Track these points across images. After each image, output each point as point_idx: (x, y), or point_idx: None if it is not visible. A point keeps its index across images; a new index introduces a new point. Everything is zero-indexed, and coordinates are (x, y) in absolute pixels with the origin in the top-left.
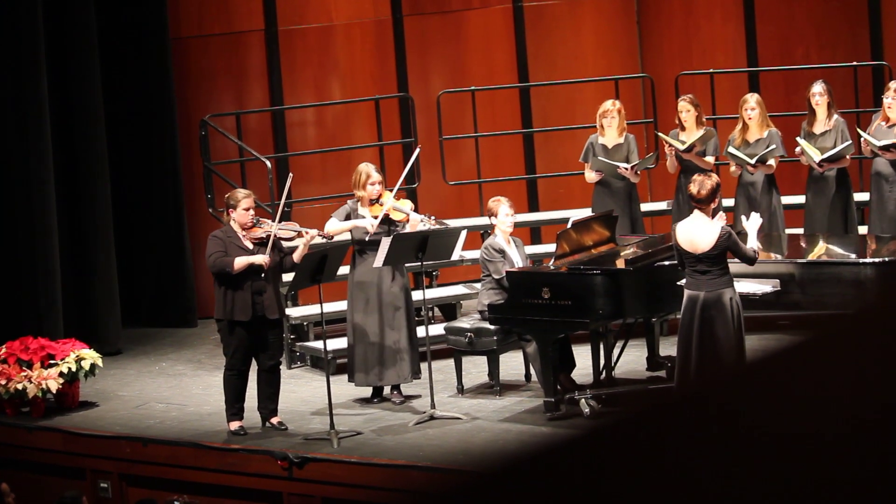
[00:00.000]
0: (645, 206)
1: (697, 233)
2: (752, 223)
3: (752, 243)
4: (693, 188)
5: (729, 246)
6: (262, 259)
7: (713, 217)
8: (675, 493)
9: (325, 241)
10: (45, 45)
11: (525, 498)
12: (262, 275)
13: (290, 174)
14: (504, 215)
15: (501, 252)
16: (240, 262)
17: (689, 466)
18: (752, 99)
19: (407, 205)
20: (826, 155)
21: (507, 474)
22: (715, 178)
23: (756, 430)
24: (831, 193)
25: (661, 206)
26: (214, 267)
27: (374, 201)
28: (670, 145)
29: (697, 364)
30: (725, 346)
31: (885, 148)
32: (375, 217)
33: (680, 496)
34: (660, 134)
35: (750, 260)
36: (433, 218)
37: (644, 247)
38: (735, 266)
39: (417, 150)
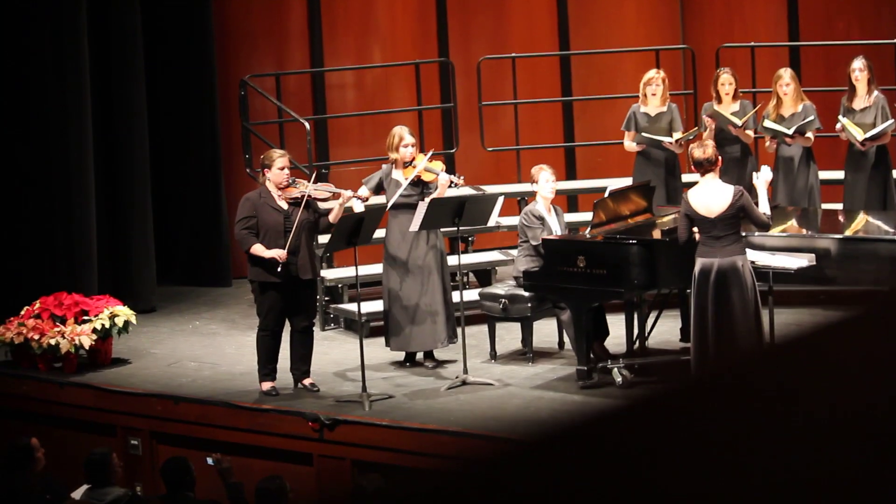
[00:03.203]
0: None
1: (712, 195)
2: (763, 178)
3: (764, 207)
4: (698, 153)
5: (743, 205)
6: (278, 254)
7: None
8: (707, 472)
9: (360, 202)
10: (86, 3)
11: (556, 471)
12: (278, 271)
13: (315, 172)
14: (545, 182)
15: (541, 219)
16: (256, 250)
17: (720, 447)
18: (786, 74)
19: (438, 166)
20: (869, 134)
21: (538, 447)
22: (709, 140)
23: (787, 412)
24: (870, 169)
25: (696, 177)
26: (237, 237)
27: (408, 164)
28: (720, 121)
29: (715, 336)
30: (742, 315)
31: None
32: (406, 178)
33: (713, 476)
34: (713, 109)
35: (763, 225)
36: (462, 178)
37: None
38: (772, 239)
39: (431, 153)
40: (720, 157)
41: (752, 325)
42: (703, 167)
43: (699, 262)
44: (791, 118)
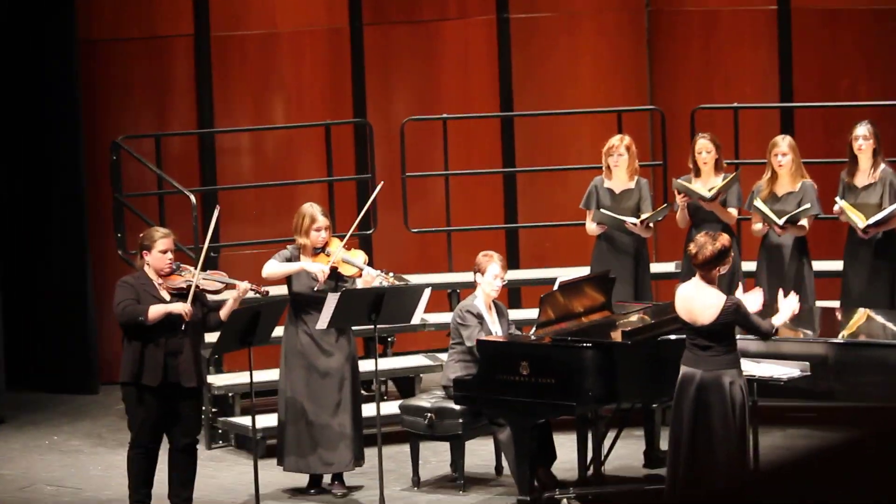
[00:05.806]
0: (651, 268)
1: (697, 302)
2: (788, 304)
3: (777, 319)
4: (692, 248)
5: (737, 320)
6: (182, 308)
7: (734, 286)
8: None
9: (258, 296)
10: None
11: None
12: (182, 330)
13: (218, 208)
14: (492, 276)
15: (479, 318)
16: (155, 310)
17: None
18: (783, 143)
19: (359, 257)
20: (873, 220)
21: None
22: (724, 238)
23: None
24: (873, 260)
25: (668, 267)
26: (123, 316)
27: (320, 251)
28: (689, 194)
29: (689, 462)
30: (722, 439)
31: None
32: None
33: None
34: (678, 181)
35: (764, 335)
36: (391, 274)
37: (646, 317)
38: (757, 343)
39: (378, 188)
40: (724, 263)
41: (735, 453)
42: (693, 266)
43: (682, 370)
44: (786, 198)
